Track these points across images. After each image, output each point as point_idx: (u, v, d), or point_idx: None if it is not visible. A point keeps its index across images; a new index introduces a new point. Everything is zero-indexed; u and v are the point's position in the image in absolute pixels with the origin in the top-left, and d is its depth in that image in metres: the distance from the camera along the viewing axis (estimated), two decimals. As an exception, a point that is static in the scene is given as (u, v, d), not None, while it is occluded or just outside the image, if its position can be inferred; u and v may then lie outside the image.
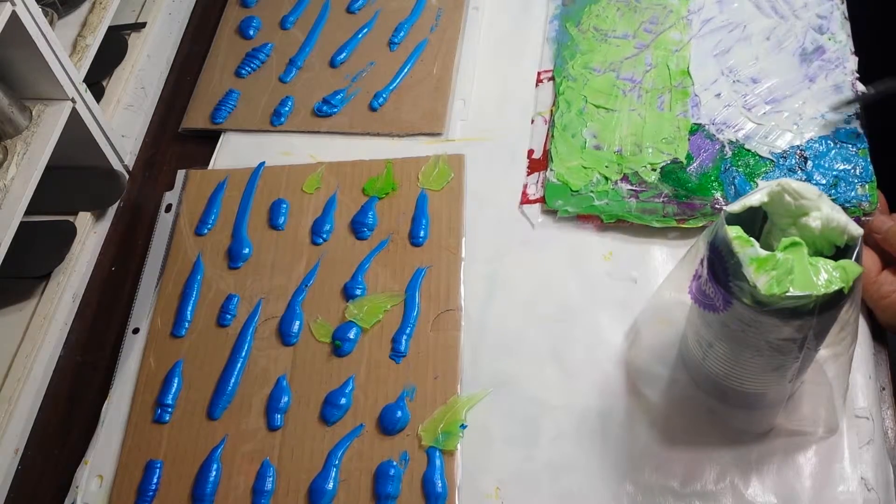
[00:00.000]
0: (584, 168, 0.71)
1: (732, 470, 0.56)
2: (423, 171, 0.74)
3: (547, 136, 0.75)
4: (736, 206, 0.49)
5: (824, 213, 0.47)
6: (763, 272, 0.45)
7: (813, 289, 0.45)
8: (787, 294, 0.45)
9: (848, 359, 0.52)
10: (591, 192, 0.69)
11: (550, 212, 0.70)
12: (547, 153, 0.73)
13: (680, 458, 0.57)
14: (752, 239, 0.47)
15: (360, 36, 0.85)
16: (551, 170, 0.72)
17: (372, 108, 0.80)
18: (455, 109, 0.79)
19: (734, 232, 0.47)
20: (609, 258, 0.67)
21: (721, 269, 0.48)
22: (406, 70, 0.82)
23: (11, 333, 0.68)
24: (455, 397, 0.62)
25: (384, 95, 0.80)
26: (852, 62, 0.73)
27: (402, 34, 0.85)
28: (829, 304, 0.46)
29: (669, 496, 0.55)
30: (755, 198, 0.49)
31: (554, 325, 0.65)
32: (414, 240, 0.70)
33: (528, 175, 0.73)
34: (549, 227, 0.70)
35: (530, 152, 0.75)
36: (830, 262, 0.46)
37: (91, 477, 0.63)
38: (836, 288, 0.45)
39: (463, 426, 0.60)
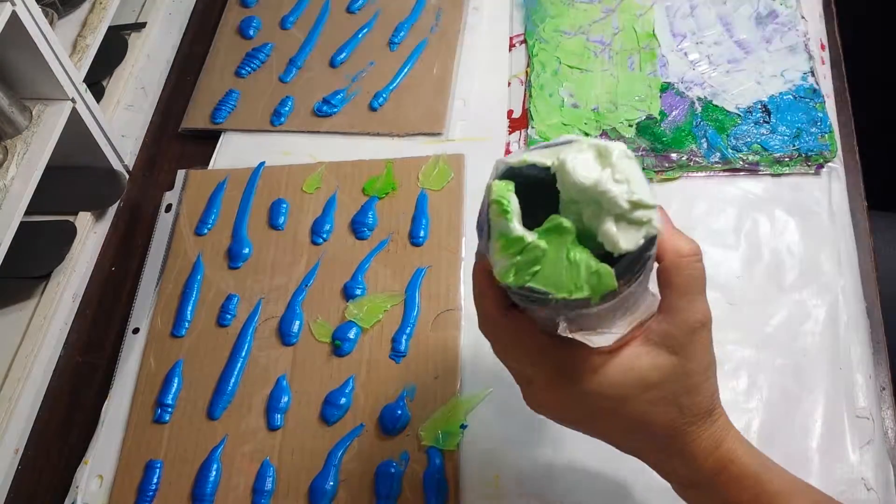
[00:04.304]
0: (564, 125, 0.74)
1: (732, 470, 0.56)
2: (423, 171, 0.74)
3: (525, 96, 0.78)
4: (513, 158, 0.39)
5: (597, 214, 0.38)
6: (506, 254, 0.38)
7: (556, 289, 0.38)
8: (524, 286, 0.38)
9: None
10: None
11: None
12: (526, 112, 0.76)
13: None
14: (511, 208, 0.38)
15: (360, 36, 0.85)
16: (532, 127, 0.75)
17: (372, 108, 0.80)
18: (455, 109, 0.79)
19: (499, 193, 0.38)
20: (609, 258, 0.67)
21: (482, 222, 0.40)
22: (406, 70, 0.82)
23: (11, 333, 0.68)
24: (455, 397, 0.62)
25: (384, 95, 0.80)
26: (803, 25, 0.77)
27: (402, 34, 0.85)
28: (577, 306, 0.39)
29: (672, 494, 0.55)
30: (535, 156, 0.39)
31: (554, 324, 0.64)
32: (414, 240, 0.70)
33: (509, 133, 0.76)
34: None
35: (510, 112, 0.77)
36: (593, 263, 0.38)
37: (91, 477, 0.63)
38: (580, 297, 0.38)
39: (463, 426, 0.60)
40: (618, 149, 0.38)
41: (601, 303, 0.38)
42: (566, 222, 0.38)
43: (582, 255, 0.38)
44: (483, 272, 0.44)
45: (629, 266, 0.38)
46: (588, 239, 0.39)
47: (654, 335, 0.43)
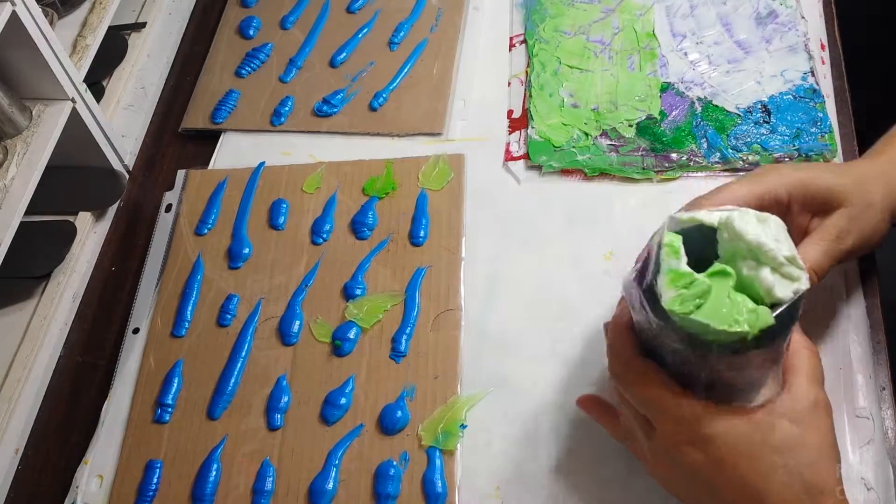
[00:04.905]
0: (564, 125, 0.74)
1: (732, 470, 0.56)
2: (423, 171, 0.74)
3: (524, 95, 0.78)
4: (684, 215, 0.46)
5: (754, 267, 0.43)
6: (674, 287, 0.43)
7: (717, 321, 0.42)
8: (687, 316, 0.42)
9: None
10: (573, 147, 0.73)
11: (534, 168, 0.73)
12: (526, 112, 0.77)
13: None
14: (681, 252, 0.44)
15: (360, 36, 0.85)
16: (532, 127, 0.75)
17: (372, 108, 0.80)
18: (455, 109, 0.79)
19: (670, 239, 0.44)
20: (609, 257, 0.67)
21: (646, 270, 0.45)
22: (406, 70, 0.82)
23: (11, 333, 0.68)
24: (455, 397, 0.62)
25: (384, 95, 0.80)
26: (803, 25, 0.77)
27: (402, 34, 0.85)
28: (731, 347, 0.43)
29: (672, 495, 0.55)
30: (704, 216, 0.45)
31: (554, 324, 0.65)
32: (414, 240, 0.70)
33: (509, 133, 0.76)
34: (535, 181, 0.72)
35: (510, 112, 0.78)
36: (752, 304, 0.43)
37: (91, 477, 0.63)
38: (738, 330, 0.41)
39: (463, 426, 0.60)
40: (774, 218, 0.45)
41: (755, 347, 0.42)
42: (729, 268, 0.43)
43: (742, 297, 0.43)
44: (623, 319, 0.50)
45: (781, 318, 0.42)
46: (744, 292, 0.43)
47: (777, 407, 0.46)
